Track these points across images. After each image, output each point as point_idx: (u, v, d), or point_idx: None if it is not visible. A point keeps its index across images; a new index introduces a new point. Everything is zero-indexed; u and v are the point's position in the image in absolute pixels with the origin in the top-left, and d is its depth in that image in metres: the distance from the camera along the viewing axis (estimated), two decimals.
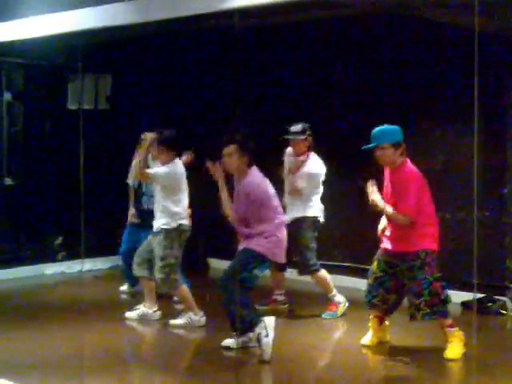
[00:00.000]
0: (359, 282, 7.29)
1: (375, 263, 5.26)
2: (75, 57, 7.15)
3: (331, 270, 6.77)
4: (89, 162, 7.62)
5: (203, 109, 8.69)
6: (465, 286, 6.20)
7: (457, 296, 6.03)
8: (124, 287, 7.30)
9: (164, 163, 5.93)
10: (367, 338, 5.44)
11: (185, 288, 6.01)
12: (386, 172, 5.24)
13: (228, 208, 5.27)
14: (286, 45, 8.05)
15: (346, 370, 5.07)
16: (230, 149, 5.21)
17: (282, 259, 5.38)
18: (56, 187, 8.42)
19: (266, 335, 4.98)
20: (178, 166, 6.00)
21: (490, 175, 6.46)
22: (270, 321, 5.06)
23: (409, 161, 5.14)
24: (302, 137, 6.23)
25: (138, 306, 6.30)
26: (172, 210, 5.91)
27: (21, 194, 8.26)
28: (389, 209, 5.03)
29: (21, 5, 6.43)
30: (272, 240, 5.22)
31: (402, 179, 5.05)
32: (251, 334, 5.17)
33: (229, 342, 5.26)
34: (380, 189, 5.29)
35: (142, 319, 6.18)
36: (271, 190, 5.31)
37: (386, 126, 5.14)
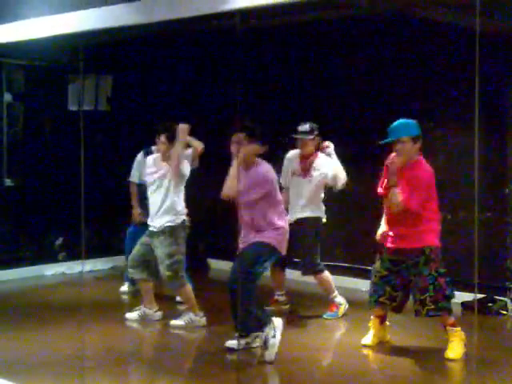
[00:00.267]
0: (359, 282, 7.32)
1: (378, 262, 5.26)
2: (76, 58, 7.17)
3: (332, 270, 6.77)
4: (89, 163, 7.65)
5: (204, 110, 8.69)
6: (465, 287, 6.20)
7: (457, 296, 6.02)
8: (124, 288, 7.30)
9: (166, 157, 5.93)
10: (368, 338, 5.44)
11: (189, 287, 6.02)
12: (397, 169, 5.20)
13: (234, 187, 5.10)
14: (286, 46, 8.06)
15: (346, 370, 5.07)
16: (240, 136, 5.13)
17: (284, 252, 5.36)
18: (56, 188, 8.43)
19: (274, 336, 4.98)
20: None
21: (491, 176, 6.47)
22: (278, 322, 5.07)
23: (422, 157, 5.16)
24: (311, 136, 6.21)
25: (137, 307, 6.31)
26: (178, 206, 5.94)
27: (21, 194, 8.26)
28: (396, 190, 4.98)
29: (21, 6, 6.44)
30: (281, 232, 5.21)
31: (419, 176, 5.04)
32: (259, 334, 5.17)
33: (232, 342, 5.24)
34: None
35: (143, 319, 6.18)
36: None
37: (404, 120, 5.14)
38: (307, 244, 6.21)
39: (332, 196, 6.53)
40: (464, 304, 6.44)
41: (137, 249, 6.07)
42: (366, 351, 5.39)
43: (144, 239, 6.05)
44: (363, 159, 7.38)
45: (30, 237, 8.35)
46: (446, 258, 5.31)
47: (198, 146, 6.36)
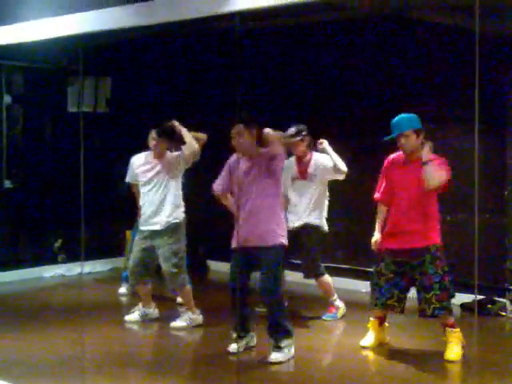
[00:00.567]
0: (358, 283, 7.33)
1: (382, 265, 5.21)
2: (75, 60, 7.17)
3: (332, 271, 6.77)
4: (89, 165, 7.64)
5: (204, 111, 8.69)
6: (464, 288, 6.20)
7: (457, 298, 6.02)
8: (123, 289, 7.29)
9: (158, 154, 5.93)
10: (367, 340, 5.44)
11: (189, 286, 6.05)
12: (397, 168, 5.18)
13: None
14: (285, 47, 8.07)
15: (346, 371, 5.06)
16: (240, 128, 5.07)
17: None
18: (55, 190, 8.43)
19: (290, 350, 5.09)
20: None
21: (491, 177, 6.47)
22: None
23: None
24: (298, 138, 6.22)
25: (135, 308, 6.31)
26: (179, 202, 5.98)
27: (20, 196, 8.26)
28: (431, 167, 4.94)
29: (21, 8, 6.44)
30: (284, 226, 5.19)
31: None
32: (253, 334, 5.23)
33: (234, 347, 5.22)
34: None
35: (143, 320, 6.19)
36: None
37: (405, 115, 5.13)
38: (310, 248, 6.22)
39: (332, 197, 6.52)
40: (463, 305, 6.44)
41: (136, 256, 6.01)
42: (365, 353, 5.39)
43: (141, 242, 6.00)
44: (363, 161, 7.38)
45: (30, 238, 8.35)
46: (446, 259, 5.31)
47: (203, 137, 6.33)
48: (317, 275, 6.27)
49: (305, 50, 7.92)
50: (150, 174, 5.96)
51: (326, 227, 6.32)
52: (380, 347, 5.43)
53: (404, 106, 7.09)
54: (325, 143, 6.29)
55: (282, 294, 5.17)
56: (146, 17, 5.52)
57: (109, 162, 8.74)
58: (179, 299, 6.64)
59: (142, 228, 6.02)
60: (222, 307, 5.47)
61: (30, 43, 6.48)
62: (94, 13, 5.84)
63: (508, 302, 6.49)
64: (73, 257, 8.28)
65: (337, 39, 7.59)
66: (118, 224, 8.59)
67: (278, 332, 5.06)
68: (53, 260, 8.45)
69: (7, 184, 8.14)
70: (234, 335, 5.24)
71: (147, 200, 5.98)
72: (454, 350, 5.07)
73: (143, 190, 6.01)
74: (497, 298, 6.50)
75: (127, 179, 6.35)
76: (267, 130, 5.07)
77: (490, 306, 6.42)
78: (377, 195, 5.36)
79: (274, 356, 5.04)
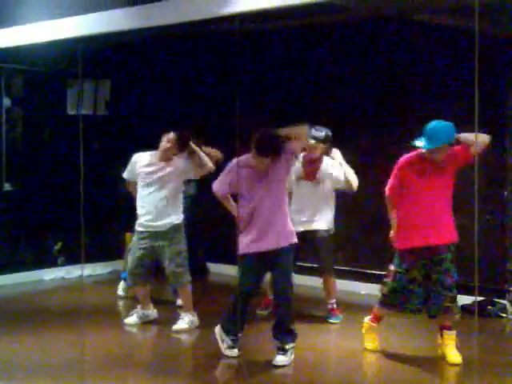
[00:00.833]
0: (358, 285, 7.32)
1: (414, 271, 5.10)
2: (74, 62, 7.17)
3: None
4: (88, 168, 7.64)
5: (204, 114, 8.69)
6: (465, 289, 6.19)
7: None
8: (120, 291, 7.27)
9: (166, 157, 5.95)
10: (372, 343, 5.41)
11: (190, 287, 6.07)
12: (418, 168, 5.10)
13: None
14: (284, 49, 8.07)
15: (345, 373, 5.07)
16: (263, 159, 5.00)
17: None
18: (55, 193, 8.42)
19: (292, 353, 5.09)
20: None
21: (491, 178, 6.47)
22: None
23: None
24: (325, 145, 6.18)
25: (133, 310, 6.30)
26: (181, 204, 6.04)
27: (20, 199, 8.26)
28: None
29: (20, 11, 6.44)
30: (290, 225, 5.19)
31: (449, 158, 5.03)
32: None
33: (233, 352, 5.22)
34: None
35: (142, 322, 6.18)
36: None
37: (443, 125, 4.98)
38: (329, 247, 6.27)
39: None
40: (463, 307, 6.43)
41: (136, 257, 6.01)
42: (365, 355, 5.38)
43: (141, 243, 5.99)
44: (364, 163, 7.38)
45: (29, 241, 8.35)
46: None
47: (216, 154, 6.37)
48: (330, 273, 6.29)
49: (305, 52, 7.92)
50: (154, 176, 5.95)
51: (332, 228, 6.33)
52: (381, 349, 5.41)
53: (403, 107, 7.15)
54: (337, 154, 6.25)
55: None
56: (145, 19, 5.53)
57: (108, 164, 8.73)
58: (179, 302, 6.64)
59: (142, 229, 6.00)
60: (223, 309, 5.46)
61: (29, 46, 6.49)
62: (92, 15, 5.85)
63: (508, 304, 6.49)
64: (73, 259, 8.26)
65: (337, 41, 7.59)
66: (118, 227, 8.58)
67: (287, 335, 5.06)
68: (53, 263, 8.44)
69: (7, 187, 8.13)
70: (230, 341, 5.20)
71: (148, 201, 5.95)
72: (455, 353, 5.06)
73: (144, 191, 5.97)
74: (497, 300, 6.50)
75: (126, 175, 6.22)
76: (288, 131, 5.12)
77: (490, 307, 6.42)
78: (388, 192, 5.29)
79: (279, 359, 5.03)
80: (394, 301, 5.23)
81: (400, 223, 5.18)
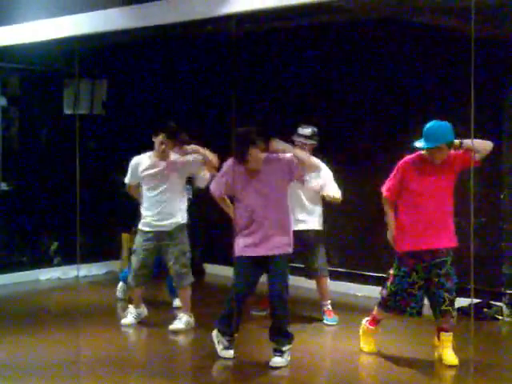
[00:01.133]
0: (354, 287, 7.32)
1: (414, 274, 5.08)
2: (71, 62, 7.14)
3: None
4: (85, 168, 7.62)
5: (200, 113, 8.68)
6: (461, 292, 6.19)
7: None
8: (119, 293, 7.25)
9: (165, 156, 5.94)
10: (370, 345, 5.39)
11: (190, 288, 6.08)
12: (420, 170, 5.08)
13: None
14: (282, 49, 8.06)
15: (342, 375, 5.05)
16: (255, 152, 4.98)
17: None
18: (51, 192, 8.41)
19: (289, 354, 5.08)
20: None
21: (487, 181, 6.47)
22: None
23: None
24: (312, 142, 6.19)
25: (128, 311, 6.28)
26: (184, 204, 6.05)
27: (16, 199, 8.24)
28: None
29: (17, 10, 6.42)
30: (291, 234, 5.16)
31: (449, 160, 5.03)
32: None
33: (229, 353, 5.20)
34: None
35: (138, 321, 6.17)
36: None
37: (441, 124, 4.98)
38: (316, 247, 6.25)
39: (328, 202, 6.51)
40: (460, 309, 6.43)
41: (141, 257, 6.01)
42: (362, 357, 5.37)
43: (145, 244, 5.99)
44: (360, 165, 7.38)
45: (25, 241, 8.33)
46: None
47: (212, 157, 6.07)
48: (322, 275, 6.29)
49: (302, 52, 7.91)
50: (157, 177, 5.95)
51: (321, 228, 6.34)
52: (377, 352, 5.40)
53: (401, 108, 7.14)
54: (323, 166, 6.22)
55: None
56: (141, 19, 5.52)
57: (105, 164, 8.72)
58: (176, 303, 6.62)
59: (147, 229, 6.00)
60: (218, 311, 5.44)
61: (25, 45, 6.48)
62: (89, 15, 5.84)
63: (504, 306, 6.49)
64: (69, 260, 8.25)
65: (334, 41, 7.58)
66: (114, 227, 8.57)
67: (283, 336, 5.05)
68: (49, 263, 8.43)
69: (3, 186, 8.11)
70: (225, 342, 5.20)
71: (154, 202, 5.96)
72: (452, 355, 5.05)
73: (149, 193, 5.99)
74: (493, 302, 6.50)
75: (127, 181, 6.21)
76: (290, 151, 5.13)
77: (486, 309, 6.42)
78: (386, 192, 5.27)
79: (276, 360, 5.03)
80: (394, 304, 5.20)
81: (400, 226, 5.16)
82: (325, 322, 6.27)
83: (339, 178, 7.41)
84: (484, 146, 4.99)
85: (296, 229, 6.05)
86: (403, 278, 5.11)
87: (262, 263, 5.07)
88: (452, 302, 5.04)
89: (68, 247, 8.12)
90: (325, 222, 6.47)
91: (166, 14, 5.25)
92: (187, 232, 6.11)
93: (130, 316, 6.21)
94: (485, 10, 4.62)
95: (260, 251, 5.02)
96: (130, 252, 7.17)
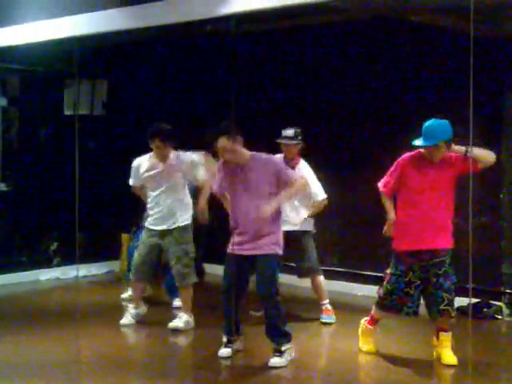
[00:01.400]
0: (354, 287, 7.32)
1: (411, 273, 5.08)
2: (71, 62, 7.16)
3: (327, 275, 6.76)
4: (84, 168, 7.63)
5: (200, 114, 8.69)
6: (460, 291, 6.20)
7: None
8: (125, 294, 7.25)
9: (165, 155, 5.95)
10: (370, 345, 5.39)
11: (191, 289, 6.08)
12: (419, 167, 5.08)
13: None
14: (280, 50, 8.07)
15: (341, 375, 5.04)
16: (222, 142, 4.98)
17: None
18: (51, 193, 8.41)
19: (290, 354, 5.07)
20: None
21: (486, 180, 6.47)
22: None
23: None
24: (295, 142, 6.23)
25: (127, 311, 6.30)
26: (189, 204, 6.06)
27: (16, 199, 8.25)
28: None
29: (17, 11, 6.44)
30: (280, 234, 5.12)
31: (450, 162, 5.02)
32: (241, 337, 5.25)
33: (227, 351, 5.21)
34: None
35: (137, 321, 6.17)
36: None
37: (439, 122, 4.99)
38: (305, 246, 6.24)
39: (327, 200, 6.51)
40: (459, 308, 6.43)
41: (143, 253, 6.05)
42: (361, 357, 5.37)
43: (149, 241, 6.03)
44: (357, 165, 7.39)
45: (25, 241, 8.34)
46: None
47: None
48: (314, 274, 6.27)
49: (300, 53, 7.92)
50: (157, 180, 5.98)
51: (312, 229, 6.31)
52: (376, 351, 5.40)
53: (399, 108, 7.15)
54: (304, 165, 6.24)
55: (280, 297, 5.14)
56: (141, 19, 5.53)
57: (105, 164, 8.73)
58: (175, 303, 6.63)
59: (151, 227, 6.04)
60: (218, 310, 5.45)
61: (26, 45, 6.49)
62: (89, 16, 5.86)
63: (504, 306, 6.49)
64: (68, 260, 8.25)
65: (332, 41, 7.59)
66: (114, 227, 8.58)
67: (279, 336, 5.05)
68: (48, 263, 8.43)
69: (2, 187, 8.13)
70: (225, 339, 5.22)
71: (155, 203, 6.01)
72: (451, 354, 5.05)
73: (154, 193, 6.03)
74: (492, 302, 6.50)
75: (131, 183, 6.25)
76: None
77: (485, 309, 6.42)
78: (384, 188, 5.27)
79: (274, 361, 5.03)
80: (391, 303, 5.21)
81: (398, 224, 5.15)
82: (321, 320, 6.27)
83: (338, 178, 7.45)
84: (488, 157, 4.99)
85: (285, 229, 6.06)
86: (400, 277, 5.11)
87: (250, 262, 5.07)
88: (451, 302, 5.05)
89: (68, 247, 8.14)
90: (324, 221, 6.48)
91: (165, 15, 5.26)
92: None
93: (128, 316, 6.21)
94: (484, 10, 4.63)
95: (247, 250, 5.03)
96: (130, 252, 7.20)
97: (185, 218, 6.01)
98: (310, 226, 6.32)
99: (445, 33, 6.52)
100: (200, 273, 8.50)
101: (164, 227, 5.98)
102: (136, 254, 6.16)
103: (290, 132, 6.25)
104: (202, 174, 6.00)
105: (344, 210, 7.53)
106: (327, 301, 6.33)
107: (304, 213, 6.29)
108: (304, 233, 6.28)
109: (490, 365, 5.17)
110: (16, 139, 8.26)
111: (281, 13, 5.20)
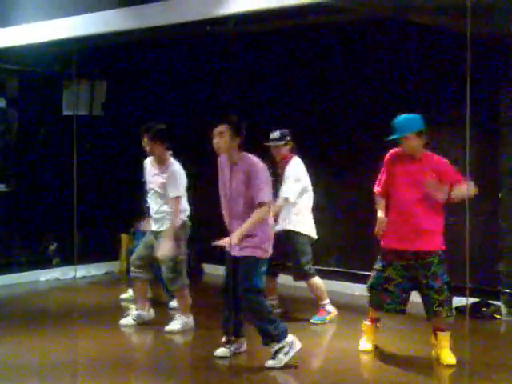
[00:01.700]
0: (352, 286, 7.33)
1: (391, 269, 5.11)
2: (70, 63, 7.17)
3: (326, 275, 6.78)
4: (83, 169, 7.64)
5: (198, 114, 8.69)
6: (459, 291, 6.21)
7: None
8: (125, 295, 7.26)
9: (158, 157, 5.95)
10: (366, 344, 5.40)
11: (187, 292, 6.06)
12: (400, 164, 5.12)
13: None
14: (279, 50, 8.08)
15: (341, 376, 5.05)
16: (222, 128, 5.01)
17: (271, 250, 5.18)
18: (50, 193, 8.41)
19: (286, 353, 4.99)
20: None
21: (485, 179, 6.48)
22: (297, 344, 5.05)
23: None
24: (281, 142, 6.24)
25: (129, 311, 6.31)
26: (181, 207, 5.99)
27: (15, 200, 8.25)
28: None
29: (15, 12, 6.45)
30: (264, 237, 5.03)
31: (437, 167, 5.01)
32: (243, 339, 5.24)
33: (223, 351, 5.22)
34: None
35: (138, 322, 6.16)
36: None
37: (407, 115, 5.08)
38: (297, 249, 6.20)
39: (326, 200, 6.53)
40: (457, 308, 6.44)
41: (141, 250, 6.09)
42: (360, 356, 5.37)
43: (147, 239, 6.08)
44: (356, 165, 7.39)
45: (24, 242, 8.33)
46: None
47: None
48: (306, 277, 6.25)
49: (299, 53, 7.93)
50: (152, 181, 6.01)
51: (305, 231, 6.25)
52: (374, 351, 5.40)
53: (396, 108, 7.14)
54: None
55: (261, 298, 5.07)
56: (140, 20, 5.54)
57: (103, 165, 8.73)
58: (172, 304, 6.64)
59: (149, 228, 6.12)
60: (217, 310, 5.46)
61: (24, 46, 6.50)
62: (88, 16, 5.87)
63: (502, 305, 6.50)
64: (68, 260, 8.25)
65: (331, 41, 7.60)
66: (113, 228, 8.58)
67: (265, 336, 5.02)
68: (47, 264, 8.43)
69: (1, 188, 8.12)
70: (224, 339, 5.23)
71: (151, 204, 6.08)
72: (449, 354, 5.05)
73: (148, 194, 6.09)
74: (491, 301, 6.51)
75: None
76: None
77: (484, 309, 6.43)
78: (377, 188, 5.29)
79: (269, 362, 5.02)
80: (373, 299, 5.25)
81: (387, 222, 5.17)
82: (311, 320, 6.25)
83: (338, 178, 7.45)
84: (469, 193, 4.91)
85: (276, 229, 6.02)
86: (380, 271, 5.16)
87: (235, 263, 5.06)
88: (443, 303, 5.02)
89: (67, 248, 8.14)
90: (323, 221, 6.48)
91: (163, 15, 5.27)
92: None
93: (129, 317, 6.22)
94: (481, 9, 4.64)
95: (234, 251, 5.01)
96: (130, 252, 7.20)
97: (170, 222, 5.92)
98: (293, 226, 6.22)
99: (443, 33, 6.53)
100: (199, 273, 8.54)
101: (154, 228, 6.02)
102: (134, 250, 6.23)
103: (275, 134, 6.28)
104: (172, 191, 5.86)
105: (344, 209, 7.54)
106: (325, 301, 6.30)
107: (290, 214, 6.23)
108: (289, 233, 6.20)
109: (488, 364, 5.17)
110: (15, 140, 8.25)
111: (279, 13, 5.20)
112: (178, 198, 5.85)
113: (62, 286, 8.11)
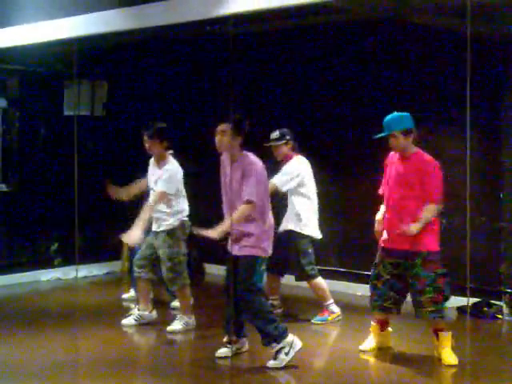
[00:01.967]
0: (354, 286, 7.33)
1: (380, 267, 5.18)
2: (71, 63, 7.17)
3: (328, 275, 6.77)
4: (84, 169, 7.64)
5: (199, 114, 8.70)
6: (460, 291, 6.20)
7: (453, 301, 6.03)
8: (126, 295, 7.26)
9: (157, 155, 5.95)
10: (367, 344, 5.41)
11: (188, 292, 6.06)
12: (394, 163, 5.15)
13: None
14: (278, 50, 8.07)
15: (341, 375, 5.05)
16: (224, 126, 5.04)
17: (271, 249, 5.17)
18: (51, 193, 8.42)
19: (286, 353, 4.98)
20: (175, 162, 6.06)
21: (486, 180, 6.47)
22: (297, 343, 5.04)
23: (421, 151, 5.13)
24: (280, 142, 6.24)
25: (131, 311, 6.31)
26: (175, 208, 5.96)
27: (16, 200, 8.25)
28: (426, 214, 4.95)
29: (17, 12, 6.45)
30: (263, 236, 5.03)
31: (423, 168, 5.00)
32: (244, 340, 5.24)
33: (224, 351, 5.22)
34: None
35: (140, 323, 6.17)
36: None
37: (395, 114, 5.11)
38: (299, 249, 6.19)
39: (327, 201, 6.52)
40: (460, 308, 6.44)
41: (144, 250, 6.09)
42: (362, 356, 5.36)
43: (150, 239, 6.07)
44: (356, 165, 7.39)
45: (26, 242, 8.34)
46: (442, 261, 5.30)
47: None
48: (308, 277, 6.24)
49: (300, 53, 7.92)
50: (152, 181, 6.01)
51: (307, 232, 6.22)
52: (377, 351, 5.39)
53: (396, 108, 7.13)
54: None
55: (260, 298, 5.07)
56: (141, 20, 5.54)
57: (105, 165, 8.73)
58: (174, 303, 6.64)
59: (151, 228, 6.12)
60: (219, 310, 5.46)
61: (25, 46, 6.50)
62: (89, 16, 5.87)
63: (504, 305, 6.49)
64: (69, 260, 8.26)
65: (331, 41, 7.59)
66: (115, 228, 8.57)
67: (264, 337, 5.02)
68: (49, 263, 8.43)
69: (2, 188, 8.13)
70: (225, 339, 5.23)
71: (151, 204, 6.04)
72: (450, 355, 5.05)
73: (150, 192, 6.08)
74: (493, 301, 6.50)
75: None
76: None
77: (486, 309, 6.42)
78: (381, 191, 5.32)
79: (270, 362, 5.03)
80: (371, 300, 5.29)
81: (384, 220, 5.22)
82: (312, 320, 6.25)
83: (340, 178, 7.45)
84: (428, 217, 4.97)
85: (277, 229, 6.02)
86: (373, 269, 5.24)
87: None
88: (426, 304, 4.98)
89: (68, 248, 8.15)
90: (325, 221, 6.47)
91: (164, 15, 5.27)
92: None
93: (131, 317, 6.22)
94: (481, 9, 4.63)
95: (234, 251, 5.03)
96: (130, 253, 7.20)
97: (170, 223, 5.95)
98: (295, 227, 6.20)
99: (443, 33, 6.52)
100: (200, 273, 8.53)
101: (154, 228, 6.02)
102: (140, 251, 6.21)
103: (275, 134, 6.28)
104: (161, 185, 5.85)
105: (345, 209, 7.53)
106: (329, 302, 6.28)
107: (291, 213, 6.22)
108: (289, 233, 6.19)
109: (490, 364, 5.17)
110: (16, 140, 8.26)
111: (278, 13, 5.20)
112: (163, 193, 5.81)
113: (64, 286, 8.11)
